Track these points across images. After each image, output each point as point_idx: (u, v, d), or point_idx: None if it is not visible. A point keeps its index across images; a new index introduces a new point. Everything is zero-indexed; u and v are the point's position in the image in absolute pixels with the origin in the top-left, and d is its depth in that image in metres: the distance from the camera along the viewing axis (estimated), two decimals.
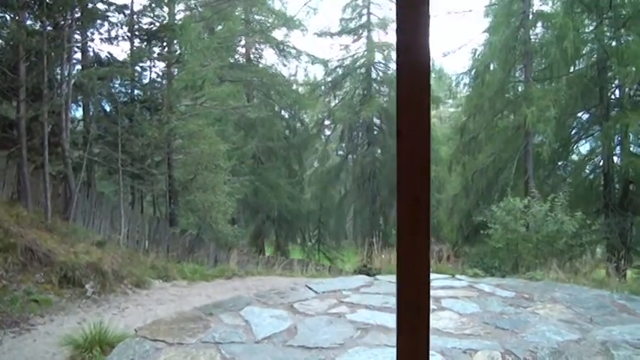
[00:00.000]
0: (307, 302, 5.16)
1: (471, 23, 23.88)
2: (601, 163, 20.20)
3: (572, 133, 21.91)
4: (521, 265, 9.87)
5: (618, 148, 19.50)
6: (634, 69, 16.63)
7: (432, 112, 35.52)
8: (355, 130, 31.33)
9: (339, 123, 30.56)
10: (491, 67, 20.11)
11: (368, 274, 7.36)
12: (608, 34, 18.20)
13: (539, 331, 4.53)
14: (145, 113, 13.99)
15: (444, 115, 41.66)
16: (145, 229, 13.21)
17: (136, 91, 14.66)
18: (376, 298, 5.34)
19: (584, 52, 19.75)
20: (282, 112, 30.05)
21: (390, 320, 4.64)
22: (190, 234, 13.59)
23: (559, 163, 21.99)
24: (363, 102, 29.52)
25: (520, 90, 21.01)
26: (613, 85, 19.97)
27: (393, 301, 5.24)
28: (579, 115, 21.40)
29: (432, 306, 5.11)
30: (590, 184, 21.07)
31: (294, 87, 30.34)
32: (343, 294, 5.51)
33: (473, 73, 20.93)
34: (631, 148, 19.75)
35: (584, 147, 22.24)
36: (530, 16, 20.07)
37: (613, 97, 20.22)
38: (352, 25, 30.02)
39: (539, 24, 20.52)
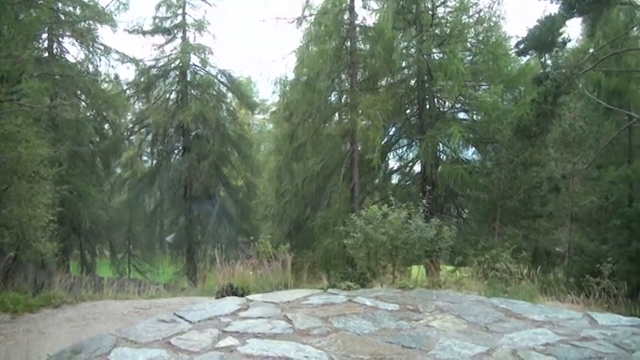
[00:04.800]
0: (185, 336, 4.24)
1: (297, 31, 24.08)
2: (419, 170, 21.61)
3: (392, 141, 23.14)
4: (381, 272, 9.86)
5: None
6: (455, 83, 18.05)
7: (246, 119, 35.62)
8: (169, 135, 29.75)
9: (152, 127, 28.82)
10: (321, 76, 20.29)
11: (235, 294, 6.53)
12: (434, 49, 19.59)
13: (447, 346, 4.23)
14: None
15: (251, 121, 42.13)
16: None
17: None
18: (262, 324, 4.62)
19: (405, 64, 21.00)
20: (90, 114, 27.35)
21: (291, 350, 4.03)
22: (9, 256, 11.37)
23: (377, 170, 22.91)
24: (179, 105, 28.27)
25: (346, 98, 21.62)
26: (434, 97, 21.52)
27: (281, 325, 4.60)
28: (399, 124, 22.68)
29: (324, 328, 4.57)
30: (407, 190, 22.32)
31: (103, 87, 27.91)
32: (222, 321, 4.67)
33: (303, 80, 20.99)
34: (444, 157, 21.46)
35: (404, 154, 23.68)
36: (357, 29, 20.80)
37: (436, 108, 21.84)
38: (167, 24, 28.57)
39: (364, 36, 21.33)
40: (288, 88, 22.20)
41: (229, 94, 30.96)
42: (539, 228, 18.43)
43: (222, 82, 29.77)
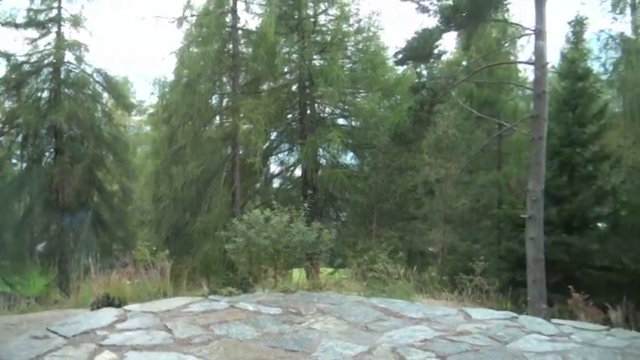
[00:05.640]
0: (60, 352, 4.04)
1: (178, 32, 23.49)
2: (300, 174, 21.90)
3: (274, 145, 23.26)
4: (263, 276, 9.83)
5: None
6: (335, 90, 18.51)
7: (122, 121, 34.14)
8: (41, 136, 27.76)
9: (22, 127, 26.71)
10: (202, 78, 19.94)
11: (111, 305, 6.20)
12: (315, 56, 19.98)
13: (329, 347, 4.34)
14: None
15: (128, 122, 40.55)
16: None
17: None
18: (140, 335, 4.47)
19: (287, 69, 21.23)
20: None
21: None
22: None
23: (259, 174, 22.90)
24: (51, 105, 26.49)
25: (228, 102, 21.43)
26: (314, 102, 21.90)
27: (160, 336, 4.49)
28: (281, 128, 22.86)
29: (206, 336, 4.50)
30: (289, 194, 22.53)
31: None
32: (98, 335, 4.46)
33: (184, 81, 20.52)
34: (324, 161, 21.90)
35: (286, 158, 23.87)
36: (240, 32, 20.72)
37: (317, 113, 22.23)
38: (41, 17, 26.65)
39: (247, 39, 21.31)
40: (167, 90, 21.64)
41: (105, 94, 29.40)
42: (414, 229, 19.35)
43: (97, 82, 28.18)
